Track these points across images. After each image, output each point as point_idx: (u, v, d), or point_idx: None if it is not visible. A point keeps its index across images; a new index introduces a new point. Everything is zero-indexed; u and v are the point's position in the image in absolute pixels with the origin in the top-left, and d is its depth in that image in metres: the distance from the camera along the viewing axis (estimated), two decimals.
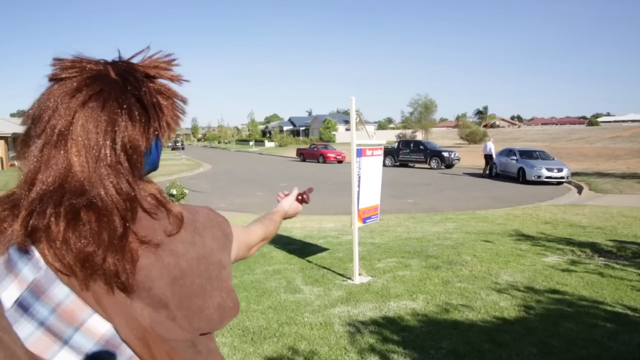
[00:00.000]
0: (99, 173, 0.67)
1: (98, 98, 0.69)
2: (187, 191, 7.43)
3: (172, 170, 24.89)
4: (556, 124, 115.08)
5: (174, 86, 0.78)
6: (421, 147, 26.49)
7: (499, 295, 4.47)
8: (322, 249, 6.66)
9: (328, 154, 31.51)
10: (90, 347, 0.65)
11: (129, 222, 0.68)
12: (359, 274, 5.06)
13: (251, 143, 64.69)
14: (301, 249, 6.73)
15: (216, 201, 13.26)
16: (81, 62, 0.71)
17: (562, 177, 17.06)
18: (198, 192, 15.25)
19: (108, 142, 0.68)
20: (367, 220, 5.33)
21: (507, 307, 4.15)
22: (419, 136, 45.77)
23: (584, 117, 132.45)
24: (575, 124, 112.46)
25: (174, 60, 0.78)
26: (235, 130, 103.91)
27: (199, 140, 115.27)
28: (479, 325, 3.76)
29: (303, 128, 76.84)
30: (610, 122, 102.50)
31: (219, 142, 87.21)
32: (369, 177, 5.08)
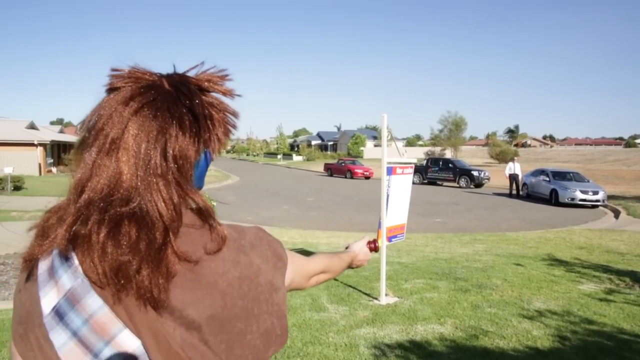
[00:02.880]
0: (147, 182, 0.67)
1: (150, 107, 0.69)
2: (215, 203, 7.49)
3: None
4: (590, 145, 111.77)
5: (225, 100, 0.78)
6: (450, 165, 26.12)
7: (531, 323, 4.30)
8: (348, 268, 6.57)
9: (356, 170, 31.43)
10: None
11: (169, 235, 0.66)
12: (386, 294, 4.96)
13: (279, 156, 65.22)
14: None
15: (242, 214, 13.36)
16: (137, 72, 0.73)
17: (597, 200, 16.47)
18: (225, 204, 15.41)
19: (158, 151, 0.68)
20: (393, 239, 5.24)
21: (541, 337, 3.97)
22: (448, 154, 45.22)
23: (620, 138, 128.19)
24: (611, 144, 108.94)
25: (227, 75, 0.78)
26: (264, 143, 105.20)
27: (227, 152, 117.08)
28: (510, 355, 3.61)
29: (331, 143, 77.08)
30: None
31: (247, 155, 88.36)
32: (398, 196, 5.01)
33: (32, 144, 28.94)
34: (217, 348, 0.68)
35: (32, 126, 32.45)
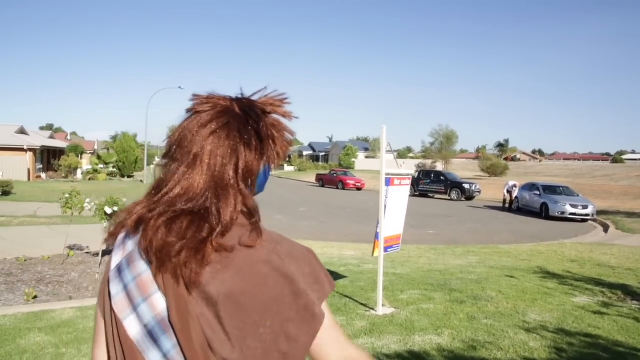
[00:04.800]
0: (217, 191, 0.80)
1: (224, 129, 0.83)
2: None
3: None
4: (578, 160, 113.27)
5: (284, 121, 0.91)
6: (442, 177, 26.32)
7: (527, 335, 4.32)
8: (343, 277, 6.57)
9: (347, 181, 31.50)
10: (149, 319, 0.77)
11: (215, 231, 0.77)
12: (383, 305, 4.97)
13: None
14: None
15: None
16: (213, 98, 0.87)
17: (587, 215, 16.68)
18: None
19: (230, 166, 0.82)
20: (389, 249, 5.26)
21: (537, 349, 4.00)
22: (439, 167, 45.54)
23: (607, 154, 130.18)
24: (598, 160, 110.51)
25: (286, 99, 0.91)
26: None
27: None
28: None
29: (323, 154, 77.21)
30: (635, 160, 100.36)
31: None
32: (395, 207, 5.04)
33: (21, 149, 28.64)
34: (230, 330, 0.75)
35: (22, 131, 32.12)
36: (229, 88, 0.93)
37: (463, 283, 6.36)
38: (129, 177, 36.18)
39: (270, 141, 0.87)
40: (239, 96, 0.90)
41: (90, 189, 15.57)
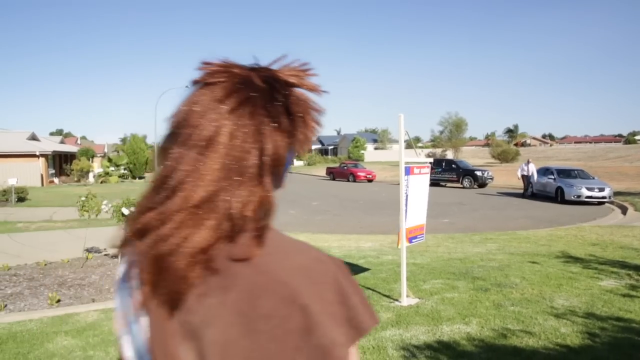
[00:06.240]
0: (232, 184, 0.63)
1: (246, 105, 0.65)
2: None
3: None
4: (590, 143, 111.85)
5: (312, 96, 0.72)
6: (453, 165, 26.09)
7: (557, 321, 4.24)
8: (364, 269, 6.52)
9: (358, 173, 31.39)
10: (139, 344, 0.66)
11: (221, 239, 0.61)
12: (407, 296, 4.91)
13: None
14: None
15: None
16: (229, 66, 0.68)
17: (603, 197, 16.42)
18: None
19: (254, 152, 0.64)
20: (413, 240, 5.19)
21: (569, 334, 3.92)
22: (449, 155, 45.21)
23: (620, 135, 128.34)
24: (610, 142, 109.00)
25: (310, 69, 0.72)
26: None
27: None
28: (541, 353, 3.55)
29: (332, 147, 77.02)
30: None
31: None
32: (417, 196, 4.96)
33: (34, 155, 28.95)
34: None
35: (33, 137, 32.48)
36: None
37: (485, 271, 6.28)
38: (140, 178, 36.42)
39: (301, 120, 0.68)
40: (256, 65, 0.71)
41: (103, 192, 15.66)
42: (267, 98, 0.66)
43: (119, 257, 0.75)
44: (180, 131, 0.66)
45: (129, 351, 0.68)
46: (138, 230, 0.65)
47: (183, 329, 0.61)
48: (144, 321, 0.64)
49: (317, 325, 0.58)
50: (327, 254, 0.67)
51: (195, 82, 0.69)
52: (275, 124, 0.66)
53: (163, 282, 0.61)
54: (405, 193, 4.75)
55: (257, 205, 0.64)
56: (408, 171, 4.80)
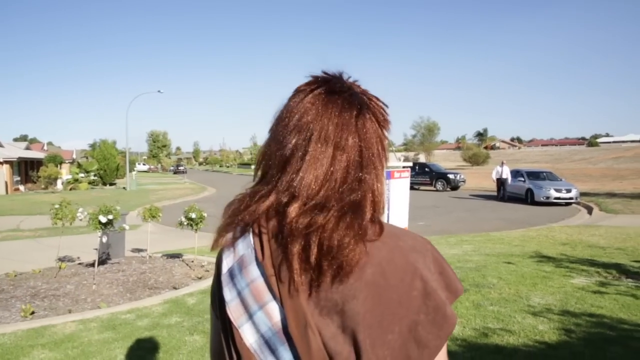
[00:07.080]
0: (359, 179, 0.73)
1: (364, 112, 0.77)
2: (205, 214, 7.37)
3: (176, 194, 24.82)
4: (556, 145, 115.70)
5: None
6: (426, 169, 26.51)
7: (535, 319, 4.38)
8: None
9: None
10: (265, 329, 0.72)
11: (355, 235, 0.69)
12: None
13: (253, 167, 64.72)
14: None
15: None
16: (335, 77, 0.80)
17: (570, 198, 17.01)
18: (208, 216, 15.15)
19: (372, 151, 0.76)
20: None
21: (547, 331, 4.05)
22: (422, 158, 45.94)
23: (583, 138, 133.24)
24: (574, 144, 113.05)
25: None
26: (237, 154, 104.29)
27: (200, 164, 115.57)
28: (522, 350, 3.66)
29: None
30: (609, 142, 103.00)
31: (220, 166, 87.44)
32: (398, 199, 5.05)
33: None
34: (359, 341, 0.68)
35: None
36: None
37: (463, 272, 6.42)
38: (111, 184, 35.55)
39: (386, 127, 0.81)
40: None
41: (74, 199, 15.15)
42: (374, 110, 0.80)
43: (222, 253, 0.79)
44: (294, 132, 0.76)
45: (251, 338, 0.73)
46: (292, 224, 0.71)
47: (322, 306, 0.69)
48: (272, 307, 0.71)
49: (432, 290, 0.71)
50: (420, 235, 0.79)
51: (311, 90, 0.79)
52: (383, 128, 0.80)
53: (321, 267, 0.69)
54: (387, 197, 4.83)
55: (381, 197, 0.77)
56: (389, 175, 4.88)
